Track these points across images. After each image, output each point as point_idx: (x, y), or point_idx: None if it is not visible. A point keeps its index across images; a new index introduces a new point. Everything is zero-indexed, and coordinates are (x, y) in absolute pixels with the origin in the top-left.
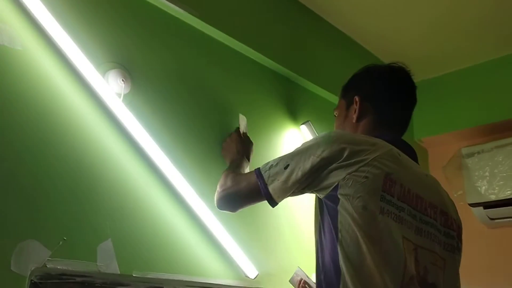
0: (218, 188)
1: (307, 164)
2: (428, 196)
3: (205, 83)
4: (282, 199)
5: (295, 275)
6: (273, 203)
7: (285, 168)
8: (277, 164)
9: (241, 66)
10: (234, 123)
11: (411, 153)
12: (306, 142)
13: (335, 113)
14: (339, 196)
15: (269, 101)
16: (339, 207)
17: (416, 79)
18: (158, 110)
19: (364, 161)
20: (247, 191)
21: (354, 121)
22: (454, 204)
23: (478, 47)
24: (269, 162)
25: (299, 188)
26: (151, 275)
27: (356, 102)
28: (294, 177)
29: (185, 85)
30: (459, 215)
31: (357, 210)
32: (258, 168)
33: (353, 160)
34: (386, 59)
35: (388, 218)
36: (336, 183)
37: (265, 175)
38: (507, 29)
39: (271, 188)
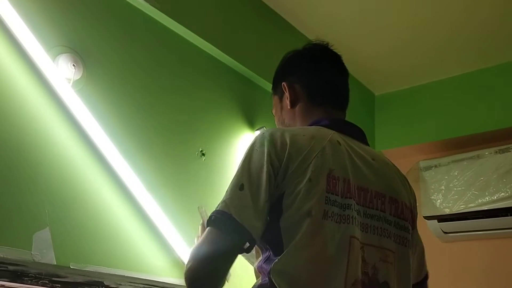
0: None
1: (263, 177)
2: (374, 184)
3: (162, 76)
4: (259, 229)
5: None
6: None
7: (241, 189)
8: (227, 191)
9: (201, 62)
10: (189, 121)
11: (354, 132)
12: (243, 156)
13: (273, 112)
14: (283, 206)
15: (227, 101)
16: (281, 219)
17: (380, 92)
18: (110, 98)
19: (306, 161)
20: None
21: (289, 107)
22: (408, 186)
23: (440, 64)
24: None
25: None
26: (90, 268)
27: (285, 88)
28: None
29: (141, 76)
30: None
31: (301, 218)
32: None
33: (296, 164)
34: (350, 68)
35: (331, 222)
36: (282, 192)
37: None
38: (469, 48)
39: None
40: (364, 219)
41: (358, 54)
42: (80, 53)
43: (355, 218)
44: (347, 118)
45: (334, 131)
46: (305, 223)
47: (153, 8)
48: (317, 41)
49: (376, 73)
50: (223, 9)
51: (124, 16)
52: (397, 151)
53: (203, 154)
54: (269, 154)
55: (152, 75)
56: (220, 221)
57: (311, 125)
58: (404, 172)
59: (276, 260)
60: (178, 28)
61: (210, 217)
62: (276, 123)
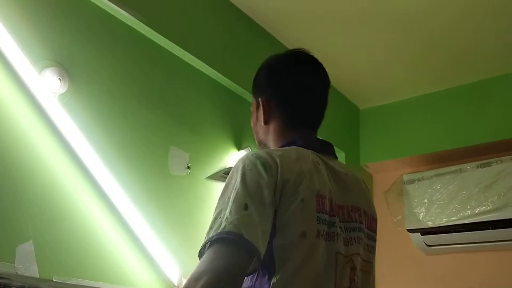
0: None
1: (265, 196)
2: (350, 199)
3: (149, 90)
4: (264, 249)
5: None
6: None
7: (245, 209)
8: (230, 212)
9: (189, 77)
10: (176, 135)
11: (327, 149)
12: (236, 178)
13: (251, 109)
14: (277, 226)
15: (215, 116)
16: (275, 239)
17: (364, 106)
18: (96, 112)
19: (297, 182)
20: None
21: (263, 124)
22: (371, 200)
23: (424, 80)
24: (215, 221)
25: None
26: (73, 281)
27: (261, 104)
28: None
29: (127, 90)
30: (398, 240)
31: (296, 238)
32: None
33: (289, 184)
34: (335, 82)
35: (322, 241)
36: (275, 212)
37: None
38: (452, 64)
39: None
40: (346, 233)
41: (343, 68)
42: (66, 67)
43: (339, 234)
44: (333, 132)
45: (311, 151)
46: (301, 243)
47: (140, 22)
48: (299, 50)
49: (361, 87)
50: (213, 25)
51: (111, 30)
52: (381, 164)
53: (189, 168)
54: (265, 173)
55: (138, 89)
56: (232, 240)
57: (286, 145)
58: (387, 185)
59: (274, 281)
60: (166, 43)
61: (217, 239)
62: (251, 124)
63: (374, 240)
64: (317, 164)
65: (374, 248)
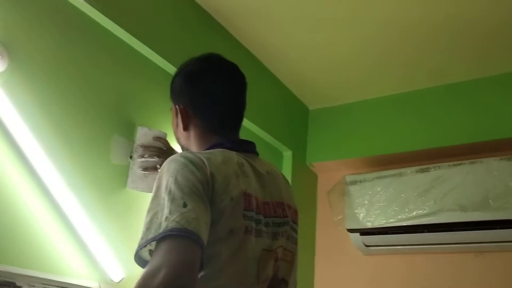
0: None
1: (201, 192)
2: (273, 195)
3: (93, 75)
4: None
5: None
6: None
7: (184, 206)
8: (170, 212)
9: (136, 64)
10: (119, 121)
11: (250, 148)
12: (162, 179)
13: (171, 113)
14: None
15: (160, 104)
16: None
17: (314, 106)
18: (36, 93)
19: (225, 182)
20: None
21: (183, 130)
22: (290, 188)
23: (371, 85)
24: (152, 222)
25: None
26: (2, 267)
27: (179, 111)
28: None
29: (70, 72)
30: (337, 239)
31: (225, 235)
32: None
33: (218, 183)
34: (286, 82)
35: (251, 237)
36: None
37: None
38: (397, 71)
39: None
40: (273, 228)
41: (295, 67)
42: (6, 45)
43: (264, 231)
44: (282, 130)
45: (235, 152)
46: (229, 240)
47: (88, 5)
48: (213, 54)
49: (311, 88)
50: (166, 14)
51: (56, 10)
52: (326, 164)
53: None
54: (197, 171)
55: (82, 71)
56: (179, 235)
57: (209, 147)
58: (330, 185)
59: (202, 274)
60: (115, 29)
61: (163, 236)
62: (173, 131)
63: (296, 231)
64: (241, 165)
65: (296, 239)
